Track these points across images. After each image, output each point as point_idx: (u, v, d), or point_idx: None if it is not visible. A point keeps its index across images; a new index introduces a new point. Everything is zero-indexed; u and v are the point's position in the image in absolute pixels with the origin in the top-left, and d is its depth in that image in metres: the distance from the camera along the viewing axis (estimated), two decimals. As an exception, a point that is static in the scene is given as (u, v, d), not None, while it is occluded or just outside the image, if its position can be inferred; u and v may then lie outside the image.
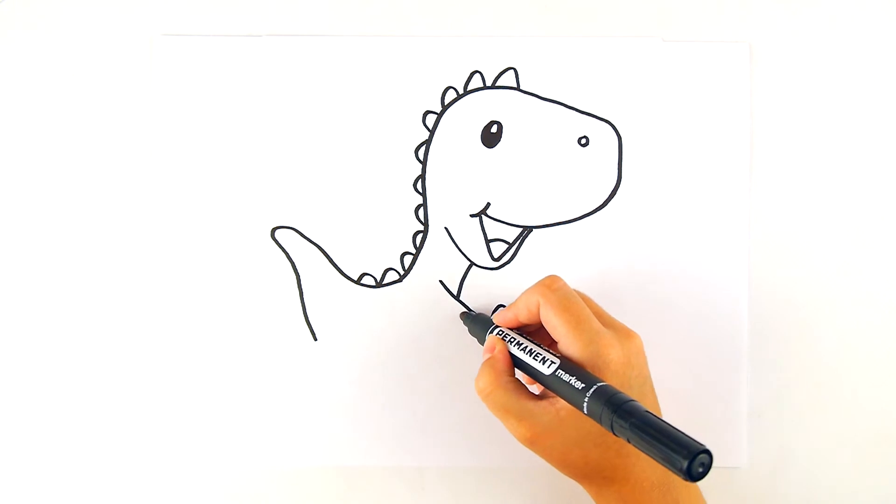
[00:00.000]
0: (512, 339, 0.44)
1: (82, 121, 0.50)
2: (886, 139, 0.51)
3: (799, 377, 0.51)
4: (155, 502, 0.50)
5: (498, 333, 0.45)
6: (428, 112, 0.50)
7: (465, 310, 0.50)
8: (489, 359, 0.44)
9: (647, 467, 0.41)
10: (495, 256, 0.51)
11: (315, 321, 0.50)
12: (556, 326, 0.42)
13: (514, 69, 0.50)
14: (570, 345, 0.41)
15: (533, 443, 0.41)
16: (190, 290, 0.50)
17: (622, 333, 0.42)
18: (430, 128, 0.50)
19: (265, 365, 0.50)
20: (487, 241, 0.51)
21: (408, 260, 0.50)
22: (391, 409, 0.50)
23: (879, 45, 0.51)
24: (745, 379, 0.51)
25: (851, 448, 0.51)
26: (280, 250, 0.50)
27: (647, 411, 0.35)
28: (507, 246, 0.51)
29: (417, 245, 0.50)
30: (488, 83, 0.51)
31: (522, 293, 0.44)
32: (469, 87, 0.50)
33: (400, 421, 0.50)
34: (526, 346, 0.43)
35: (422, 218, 0.50)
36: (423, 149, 0.50)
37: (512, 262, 0.51)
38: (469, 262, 0.51)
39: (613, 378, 0.40)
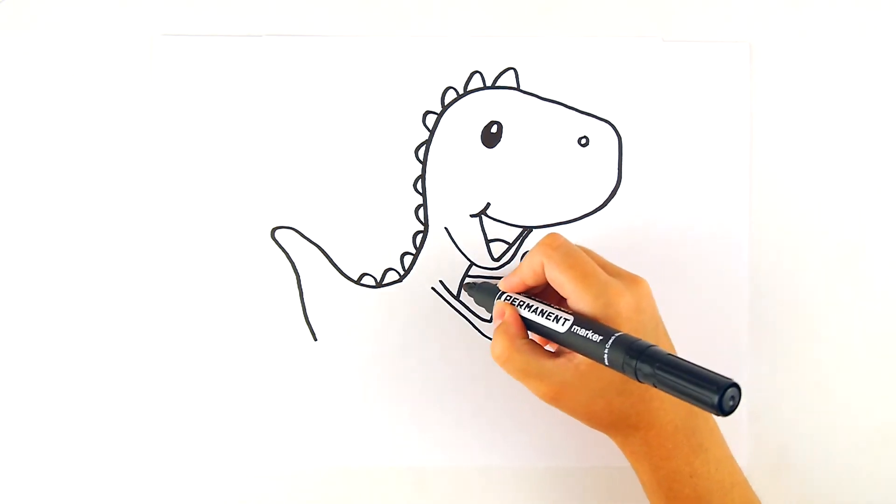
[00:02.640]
0: (521, 303, 0.43)
1: (82, 121, 0.50)
2: (886, 139, 0.51)
3: (799, 377, 0.51)
4: (155, 502, 0.50)
5: (506, 299, 0.45)
6: (428, 112, 0.50)
7: (469, 280, 0.50)
8: (501, 324, 0.43)
9: (670, 409, 0.42)
10: (495, 256, 0.51)
11: (315, 321, 0.50)
12: (563, 283, 0.42)
13: (514, 69, 0.50)
14: (579, 300, 0.41)
15: (557, 400, 0.41)
16: (190, 291, 0.50)
17: (629, 280, 0.42)
18: (430, 128, 0.50)
19: (265, 365, 0.50)
20: (487, 241, 0.51)
21: (408, 260, 0.50)
22: (391, 409, 0.50)
23: (879, 45, 0.51)
24: (745, 378, 0.51)
25: (851, 448, 0.51)
26: (280, 250, 0.50)
27: (669, 354, 0.35)
28: (507, 246, 0.51)
29: (417, 245, 0.50)
30: (488, 83, 0.51)
31: (525, 256, 0.44)
32: (469, 87, 0.50)
33: (400, 421, 0.50)
34: (536, 308, 0.42)
35: (422, 218, 0.50)
36: (423, 149, 0.50)
37: (512, 262, 0.51)
38: (469, 262, 0.51)
39: (626, 325, 0.40)
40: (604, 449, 0.50)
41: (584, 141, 0.50)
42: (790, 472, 0.51)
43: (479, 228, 0.51)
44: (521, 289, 0.45)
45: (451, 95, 0.50)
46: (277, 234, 0.50)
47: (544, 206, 0.50)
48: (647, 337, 0.40)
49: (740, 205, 0.51)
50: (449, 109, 0.50)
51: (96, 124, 0.50)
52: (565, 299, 0.42)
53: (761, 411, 0.51)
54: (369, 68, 0.50)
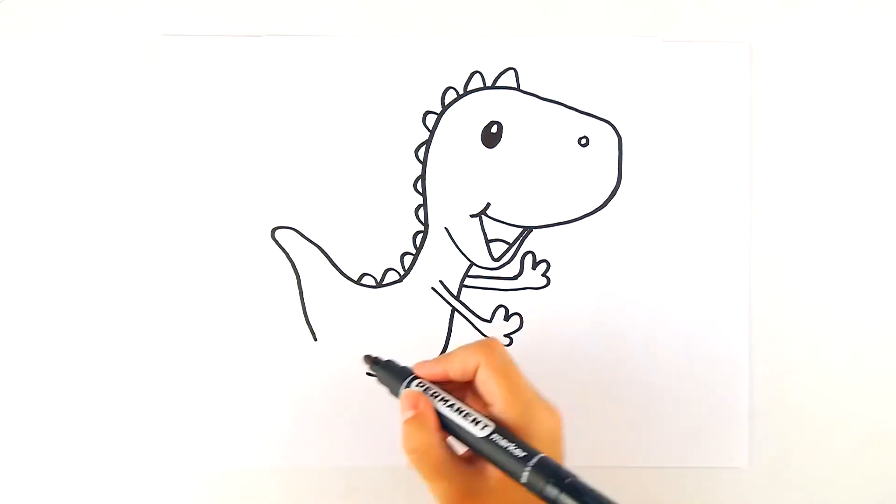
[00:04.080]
0: (436, 394, 0.40)
1: (82, 121, 0.50)
2: (887, 139, 0.51)
3: (799, 377, 0.51)
4: (154, 502, 0.50)
5: (418, 385, 0.41)
6: (428, 112, 0.50)
7: (372, 356, 0.45)
8: (417, 416, 0.40)
9: None
10: (495, 256, 0.51)
11: (315, 321, 0.50)
12: (492, 389, 0.39)
13: (514, 69, 0.50)
14: (506, 409, 0.39)
15: None
16: (190, 291, 0.50)
17: (550, 408, 0.40)
18: (430, 128, 0.50)
19: (265, 365, 0.50)
20: (487, 241, 0.51)
21: (408, 260, 0.50)
22: (391, 409, 0.50)
23: (879, 45, 0.51)
24: (745, 379, 0.51)
25: (851, 448, 0.51)
26: (280, 250, 0.50)
27: (593, 488, 0.34)
28: (507, 246, 0.51)
29: (417, 245, 0.50)
30: (488, 83, 0.51)
31: (459, 350, 0.41)
32: (469, 87, 0.50)
33: (400, 421, 0.50)
34: (454, 405, 0.39)
35: (422, 218, 0.50)
36: (423, 149, 0.50)
37: (512, 262, 0.51)
38: (469, 262, 0.51)
39: (545, 450, 0.38)
40: (607, 449, 0.50)
41: (584, 141, 0.50)
42: (790, 472, 0.51)
43: (479, 228, 0.51)
44: (441, 378, 0.41)
45: (451, 95, 0.50)
46: (277, 234, 0.50)
47: (544, 206, 0.50)
48: None
49: (740, 205, 0.51)
50: (449, 109, 0.50)
51: (96, 124, 0.50)
52: (486, 405, 0.40)
53: (761, 411, 0.51)
54: (369, 68, 0.50)
